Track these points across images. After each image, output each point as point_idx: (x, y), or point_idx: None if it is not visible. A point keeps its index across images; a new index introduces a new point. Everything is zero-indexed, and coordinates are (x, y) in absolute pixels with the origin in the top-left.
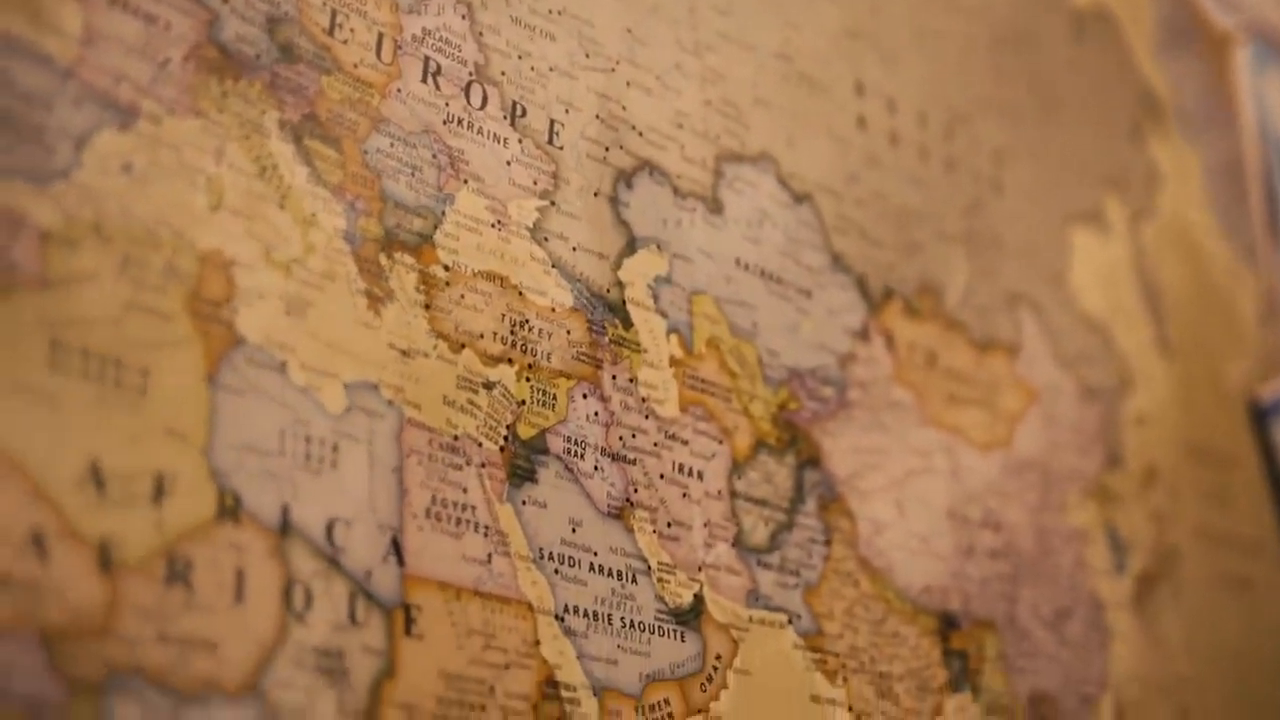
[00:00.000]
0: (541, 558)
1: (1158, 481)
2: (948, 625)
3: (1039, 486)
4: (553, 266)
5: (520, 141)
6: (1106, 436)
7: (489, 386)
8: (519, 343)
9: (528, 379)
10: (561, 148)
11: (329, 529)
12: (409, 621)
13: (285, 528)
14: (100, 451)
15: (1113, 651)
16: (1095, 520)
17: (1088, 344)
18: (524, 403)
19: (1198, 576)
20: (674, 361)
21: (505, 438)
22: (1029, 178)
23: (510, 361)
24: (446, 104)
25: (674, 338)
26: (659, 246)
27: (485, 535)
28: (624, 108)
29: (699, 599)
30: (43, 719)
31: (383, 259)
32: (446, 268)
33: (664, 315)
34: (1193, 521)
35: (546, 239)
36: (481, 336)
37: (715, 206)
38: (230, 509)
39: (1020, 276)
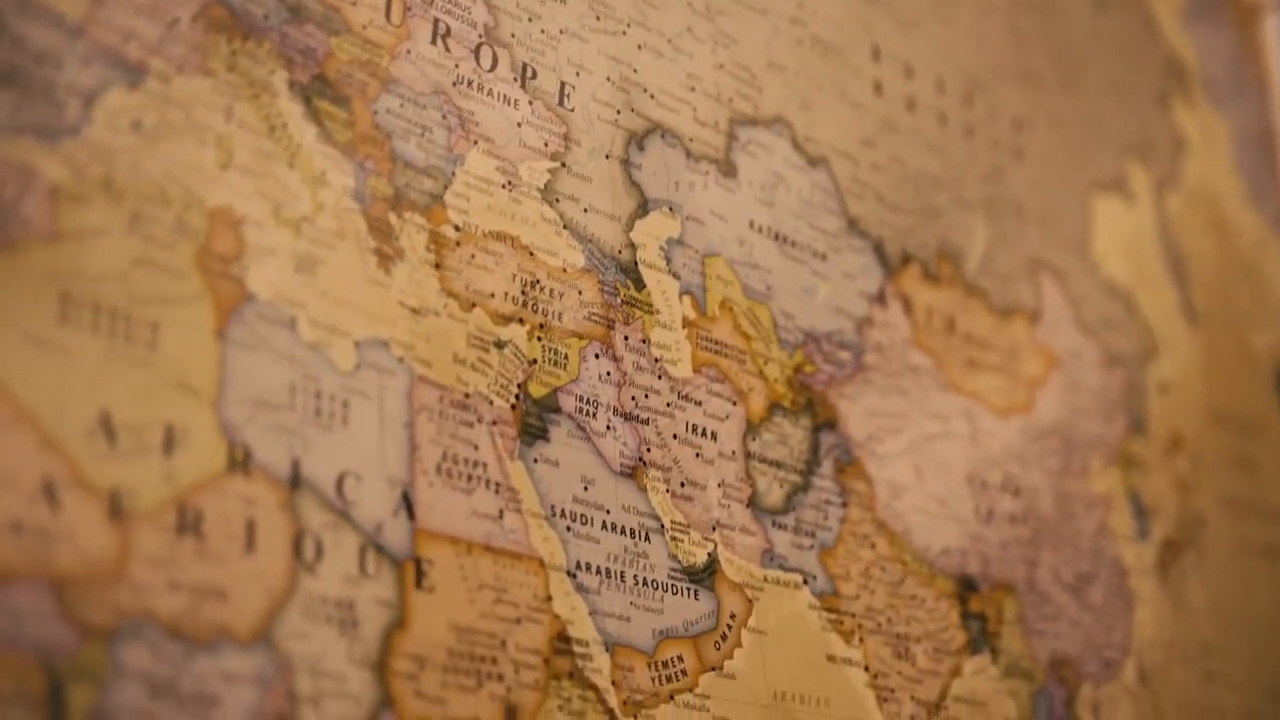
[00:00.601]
0: (553, 515)
1: (1182, 449)
2: (966, 588)
3: (1060, 452)
4: (564, 227)
5: (530, 104)
6: (1130, 403)
7: (500, 345)
8: (530, 302)
9: (539, 338)
10: (572, 110)
11: (339, 483)
12: (420, 575)
13: (295, 481)
14: (110, 403)
15: (1136, 617)
16: (1118, 486)
17: (1111, 310)
18: (535, 362)
19: (1223, 544)
20: (687, 323)
21: (517, 396)
22: (1050, 145)
23: (521, 321)
24: (456, 66)
25: (687, 299)
26: (671, 209)
27: (496, 492)
28: (635, 70)
29: (713, 558)
30: (54, 664)
31: (392, 218)
32: (457, 228)
33: (676, 277)
34: (1219, 489)
35: (558, 200)
36: (492, 296)
37: (728, 169)
38: (240, 461)
39: (1041, 243)
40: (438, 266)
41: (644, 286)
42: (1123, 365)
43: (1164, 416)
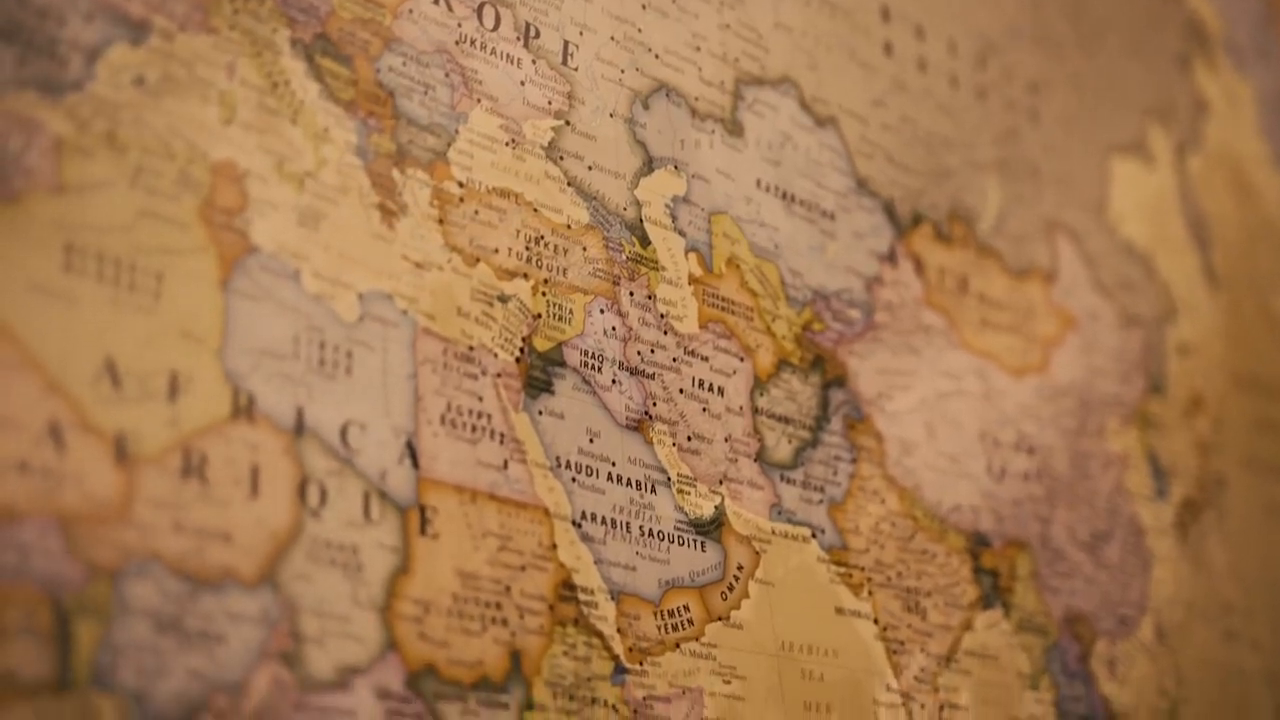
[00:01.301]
0: (559, 466)
1: (1203, 410)
2: (978, 544)
3: (1076, 412)
4: (568, 185)
5: (534, 63)
6: (1148, 364)
7: (504, 300)
8: (534, 258)
9: (543, 293)
10: (576, 69)
11: (343, 431)
12: (424, 522)
13: (299, 428)
14: (115, 350)
15: (1153, 575)
16: (1135, 447)
17: (1129, 272)
18: (540, 316)
19: (1246, 505)
20: (693, 279)
21: (521, 349)
22: (1068, 107)
23: (526, 276)
24: (459, 25)
25: (693, 256)
26: (676, 167)
27: (501, 442)
28: (639, 30)
29: (720, 511)
30: (61, 599)
31: (395, 174)
32: (460, 184)
33: (682, 234)
34: (1241, 451)
35: (562, 158)
36: (496, 251)
37: (734, 129)
38: (244, 408)
39: (1058, 205)
40: (441, 222)
41: (649, 243)
42: (1141, 326)
43: (1184, 378)
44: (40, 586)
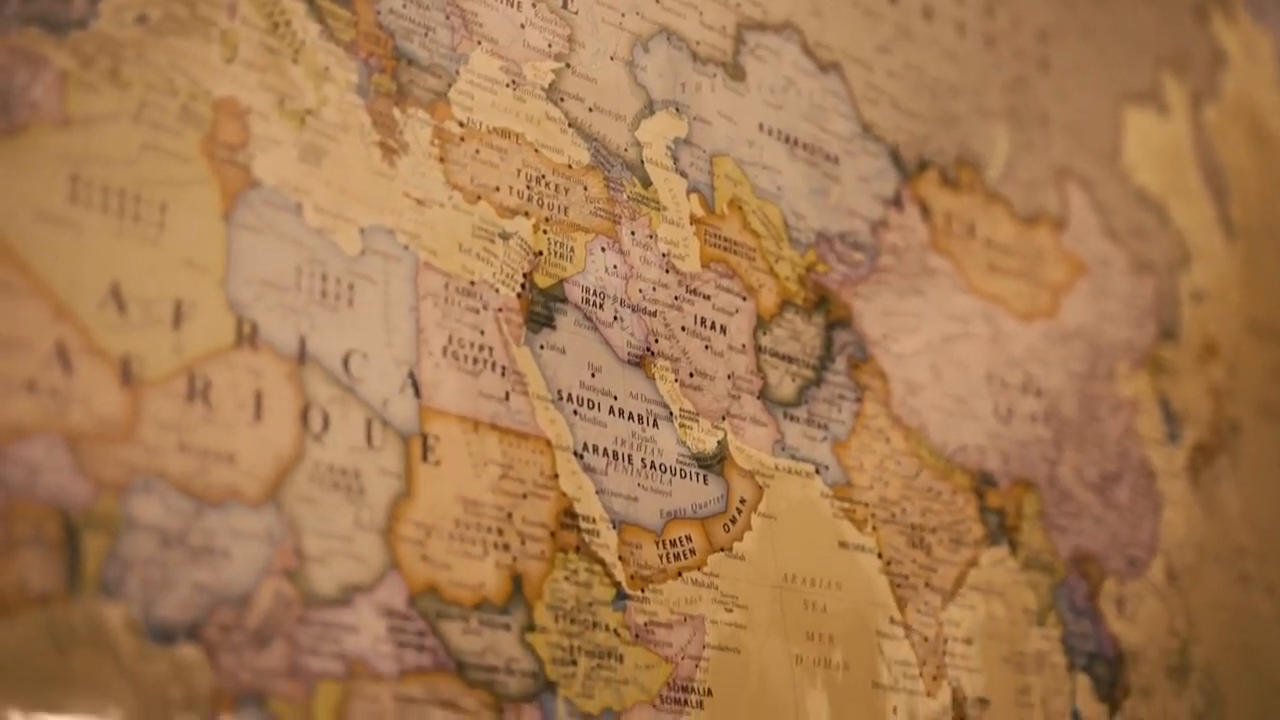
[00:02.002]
0: (560, 399)
1: (1217, 357)
2: (985, 483)
3: (1086, 356)
4: (569, 126)
5: (534, 6)
6: (1160, 310)
7: (505, 237)
8: (535, 197)
9: (544, 231)
10: (576, 13)
11: (345, 360)
12: (426, 449)
13: (302, 356)
14: (121, 277)
15: (1164, 518)
16: (1146, 391)
17: (1141, 219)
18: (541, 253)
19: (1260, 452)
20: (695, 220)
21: (522, 285)
22: (1079, 57)
23: (527, 214)
24: None
25: (694, 197)
26: (678, 109)
27: (503, 375)
28: None
29: (722, 446)
30: (69, 513)
31: (396, 113)
32: (461, 124)
33: (684, 175)
34: (1256, 398)
35: (562, 99)
36: (497, 190)
37: (736, 73)
38: (248, 336)
39: (1068, 153)
40: (442, 160)
41: (650, 184)
42: (1153, 273)
43: (1197, 324)
44: (49, 501)
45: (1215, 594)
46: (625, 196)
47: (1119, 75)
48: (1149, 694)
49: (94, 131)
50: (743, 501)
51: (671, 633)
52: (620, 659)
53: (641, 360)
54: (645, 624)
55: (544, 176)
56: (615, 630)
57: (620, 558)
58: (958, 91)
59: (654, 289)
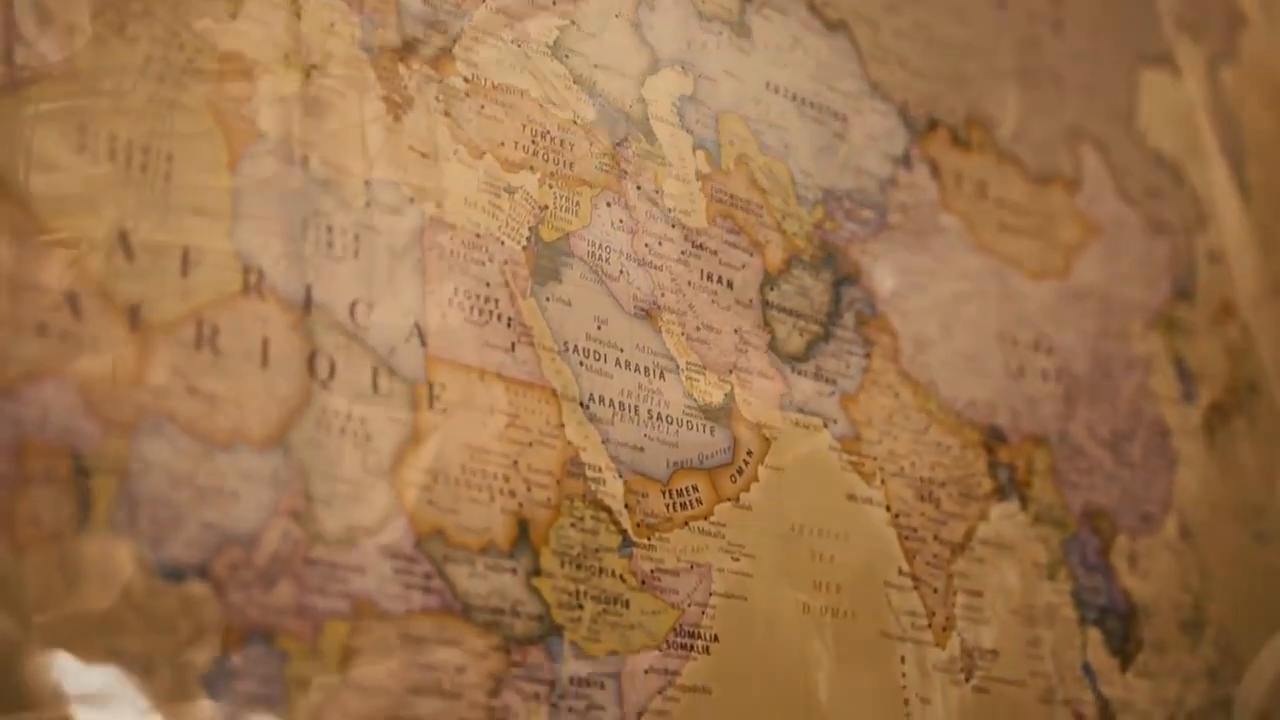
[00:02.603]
0: (566, 350)
1: (1233, 317)
2: (995, 438)
3: (1098, 314)
4: (574, 82)
5: None
6: (1175, 270)
7: (510, 191)
8: (540, 151)
9: (549, 185)
10: None
11: (351, 309)
12: (432, 397)
13: (308, 304)
14: (129, 226)
15: (1178, 475)
16: (1160, 350)
17: (1157, 180)
18: (546, 208)
19: (1278, 412)
20: (700, 175)
21: (528, 239)
22: (1094, 18)
23: (532, 169)
24: None
25: (700, 154)
26: (683, 67)
27: (509, 326)
28: None
29: (729, 398)
30: (80, 452)
31: (401, 69)
32: (466, 80)
33: (689, 132)
34: (1274, 358)
35: (568, 56)
36: (502, 145)
37: (742, 31)
38: (254, 285)
39: (1082, 113)
40: (447, 115)
41: (655, 140)
42: (1169, 233)
43: (1214, 285)
44: (60, 441)
45: (1231, 552)
46: (630, 152)
47: (1134, 37)
48: (1162, 649)
49: (101, 83)
50: (750, 453)
51: (678, 580)
52: (626, 604)
53: (648, 313)
54: (652, 571)
55: (549, 132)
56: (621, 576)
57: (626, 506)
58: (969, 51)
59: (660, 244)
